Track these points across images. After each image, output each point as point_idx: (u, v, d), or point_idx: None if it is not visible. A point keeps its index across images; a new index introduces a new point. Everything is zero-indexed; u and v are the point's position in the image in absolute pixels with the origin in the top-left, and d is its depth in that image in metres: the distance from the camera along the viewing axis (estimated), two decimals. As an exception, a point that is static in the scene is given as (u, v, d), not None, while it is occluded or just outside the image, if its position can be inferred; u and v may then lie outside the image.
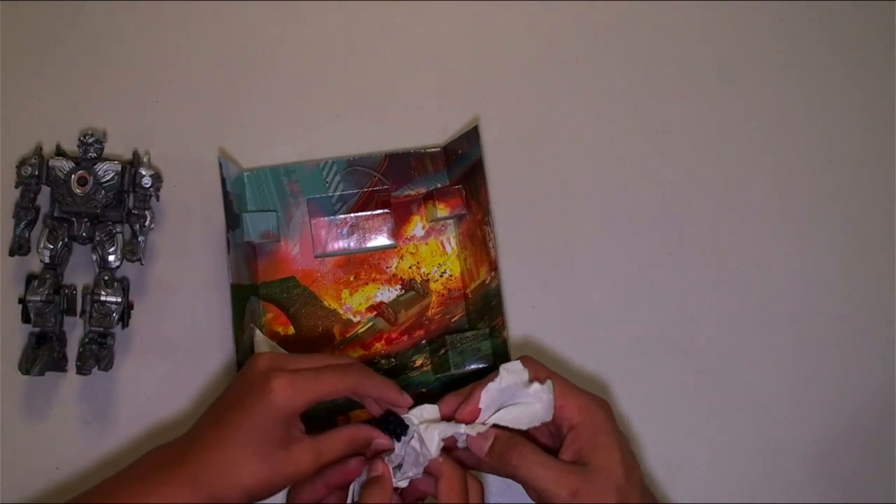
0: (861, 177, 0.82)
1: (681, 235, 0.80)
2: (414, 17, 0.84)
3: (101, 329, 0.73)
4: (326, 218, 0.78)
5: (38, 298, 0.72)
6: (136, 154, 0.77)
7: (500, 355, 0.72)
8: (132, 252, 0.74)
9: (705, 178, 0.81)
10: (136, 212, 0.75)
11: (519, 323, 0.76)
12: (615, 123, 0.82)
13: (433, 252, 0.78)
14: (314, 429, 0.63)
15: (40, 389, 0.74)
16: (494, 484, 0.74)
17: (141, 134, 0.79)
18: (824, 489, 0.75)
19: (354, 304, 0.77)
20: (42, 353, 0.71)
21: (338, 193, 0.78)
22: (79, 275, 0.77)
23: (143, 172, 0.76)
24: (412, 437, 0.65)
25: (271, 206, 0.77)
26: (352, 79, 0.83)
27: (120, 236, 0.75)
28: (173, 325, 0.76)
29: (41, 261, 0.74)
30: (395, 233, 0.78)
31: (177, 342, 0.76)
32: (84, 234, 0.74)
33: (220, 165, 0.73)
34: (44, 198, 0.76)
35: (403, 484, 0.64)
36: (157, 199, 0.76)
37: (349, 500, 0.64)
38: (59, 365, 0.74)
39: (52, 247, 0.74)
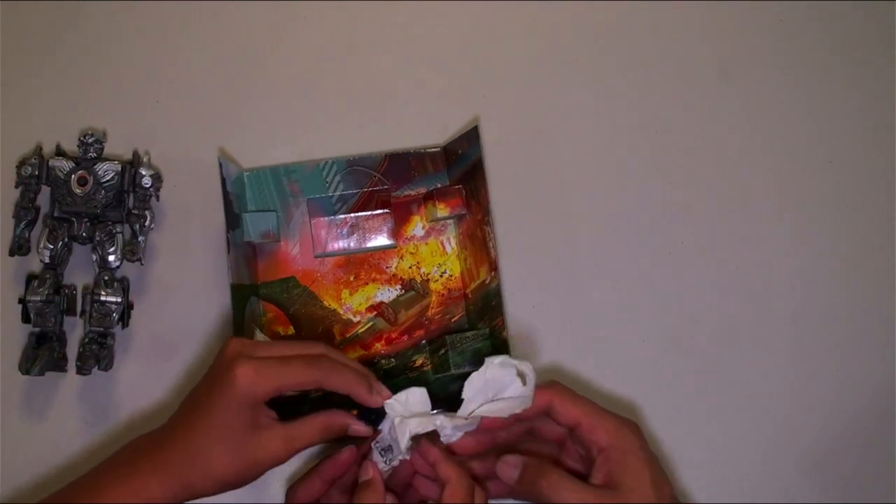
0: (861, 177, 0.82)
1: (681, 235, 0.80)
2: (414, 17, 0.84)
3: (101, 329, 0.73)
4: (326, 218, 0.78)
5: (38, 298, 0.72)
6: (136, 154, 0.77)
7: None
8: (132, 252, 0.74)
9: (705, 178, 0.81)
10: (136, 212, 0.75)
11: (519, 323, 0.76)
12: (615, 123, 0.82)
13: (433, 252, 0.78)
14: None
15: (40, 389, 0.74)
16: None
17: (141, 134, 0.79)
18: (824, 489, 0.75)
19: (354, 304, 0.77)
20: (42, 353, 0.71)
21: (338, 193, 0.78)
22: (79, 275, 0.77)
23: (143, 172, 0.76)
24: (390, 425, 0.65)
25: (271, 206, 0.77)
26: (352, 79, 0.83)
27: (120, 236, 0.75)
28: (173, 325, 0.76)
29: (41, 261, 0.74)
30: (395, 233, 0.78)
31: (177, 342, 0.76)
32: (84, 234, 0.74)
33: (220, 165, 0.73)
34: (44, 198, 0.76)
35: (387, 467, 0.64)
36: (157, 199, 0.76)
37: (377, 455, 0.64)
38: (59, 365, 0.74)
39: (52, 247, 0.74)
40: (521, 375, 0.64)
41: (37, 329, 0.73)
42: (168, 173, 0.78)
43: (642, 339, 0.77)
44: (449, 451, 0.65)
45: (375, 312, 0.77)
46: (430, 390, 0.72)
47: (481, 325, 0.74)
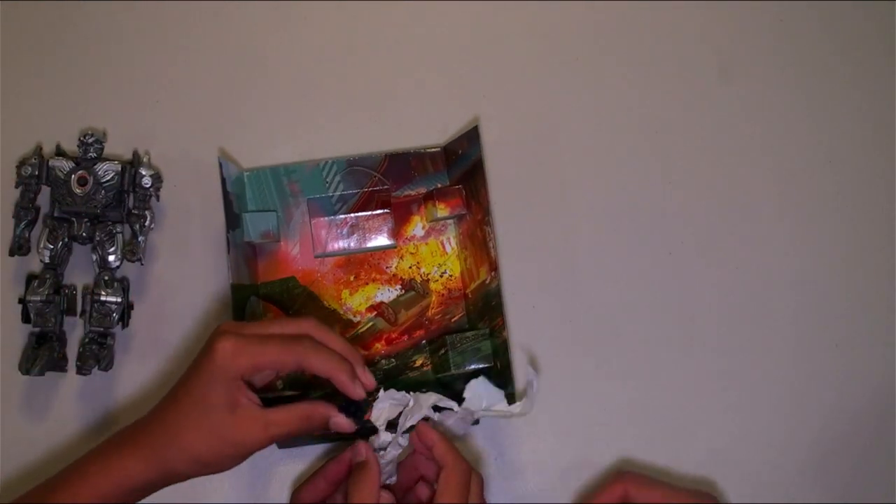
0: (861, 177, 0.82)
1: (681, 235, 0.80)
2: (414, 17, 0.84)
3: (101, 329, 0.73)
4: (326, 218, 0.78)
5: (38, 298, 0.72)
6: (136, 154, 0.77)
7: (501, 355, 0.72)
8: (132, 252, 0.74)
9: (705, 177, 0.81)
10: (136, 212, 0.75)
11: (519, 323, 0.76)
12: (615, 123, 0.82)
13: (433, 252, 0.78)
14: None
15: (40, 389, 0.74)
16: (495, 483, 0.74)
17: (141, 134, 0.79)
18: (824, 489, 0.75)
19: (354, 305, 0.77)
20: (42, 353, 0.71)
21: (338, 193, 0.78)
22: (79, 275, 0.77)
23: (143, 172, 0.76)
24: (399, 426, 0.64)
25: (271, 206, 0.77)
26: (352, 79, 0.83)
27: (120, 236, 0.75)
28: (173, 325, 0.76)
29: (41, 261, 0.74)
30: (395, 233, 0.78)
31: (177, 342, 0.76)
32: (84, 234, 0.74)
33: (220, 165, 0.73)
34: (44, 198, 0.76)
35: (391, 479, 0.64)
36: (157, 199, 0.76)
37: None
38: (59, 365, 0.74)
39: (52, 247, 0.74)
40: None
41: (37, 329, 0.73)
42: (168, 173, 0.78)
43: (642, 339, 0.77)
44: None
45: (375, 312, 0.77)
46: (430, 391, 0.72)
47: (481, 325, 0.74)
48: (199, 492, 0.72)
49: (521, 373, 0.72)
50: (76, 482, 0.59)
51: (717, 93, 0.83)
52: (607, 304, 0.78)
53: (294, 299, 0.76)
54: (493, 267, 0.73)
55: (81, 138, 0.75)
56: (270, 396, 0.71)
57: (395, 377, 0.75)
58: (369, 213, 0.78)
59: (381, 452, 0.64)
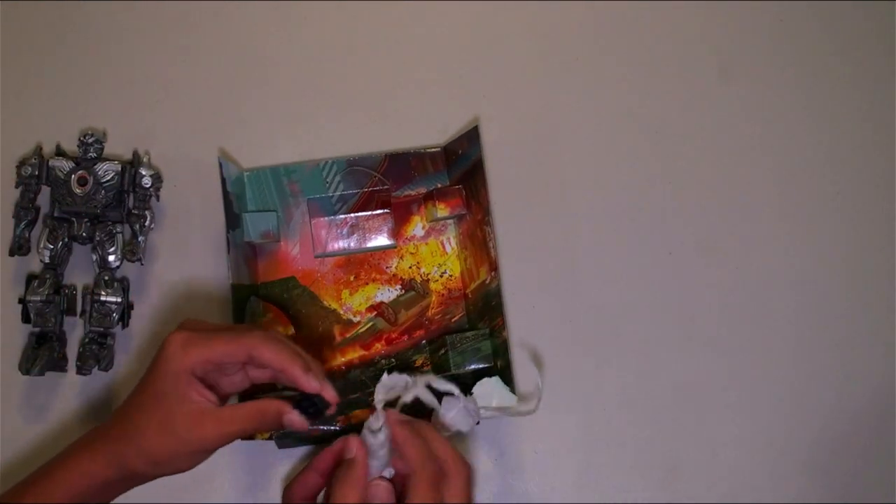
0: (861, 177, 0.82)
1: (681, 235, 0.80)
2: (414, 17, 0.84)
3: (101, 329, 0.73)
4: (326, 218, 0.78)
5: (38, 298, 0.72)
6: (136, 154, 0.77)
7: (501, 355, 0.72)
8: (132, 252, 0.74)
9: (705, 177, 0.81)
10: (136, 212, 0.75)
11: (519, 323, 0.76)
12: (615, 123, 0.82)
13: (433, 252, 0.78)
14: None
15: (40, 389, 0.74)
16: (495, 483, 0.74)
17: (141, 134, 0.79)
18: (824, 489, 0.75)
19: (354, 304, 0.77)
20: (42, 353, 0.71)
21: (338, 193, 0.78)
22: (79, 275, 0.77)
23: (143, 172, 0.76)
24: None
25: (271, 206, 0.77)
26: (352, 79, 0.83)
27: (120, 236, 0.75)
28: (173, 325, 0.75)
29: (41, 261, 0.74)
30: (395, 233, 0.78)
31: (177, 342, 0.76)
32: (84, 234, 0.74)
33: (220, 165, 0.73)
34: (44, 198, 0.76)
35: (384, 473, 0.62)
36: (157, 199, 0.76)
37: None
38: (59, 365, 0.74)
39: (52, 247, 0.74)
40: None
41: (37, 329, 0.73)
42: (168, 173, 0.78)
43: (642, 338, 0.77)
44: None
45: (375, 312, 0.77)
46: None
47: (481, 325, 0.74)
48: (199, 492, 0.72)
49: (521, 373, 0.72)
50: (43, 482, 0.59)
51: (717, 93, 0.83)
52: (607, 304, 0.78)
53: (294, 299, 0.76)
54: (493, 267, 0.73)
55: (81, 138, 0.75)
56: (271, 396, 0.71)
57: (394, 377, 0.75)
58: (369, 213, 0.78)
59: (376, 434, 0.62)
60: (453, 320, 0.77)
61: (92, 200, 0.74)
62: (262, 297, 0.76)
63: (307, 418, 0.60)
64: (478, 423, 0.71)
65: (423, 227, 0.78)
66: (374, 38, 0.84)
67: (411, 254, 0.78)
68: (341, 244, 0.78)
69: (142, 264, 0.75)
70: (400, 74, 0.83)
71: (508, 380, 0.70)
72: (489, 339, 0.73)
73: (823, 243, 0.80)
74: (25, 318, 0.73)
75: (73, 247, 0.76)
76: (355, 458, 0.59)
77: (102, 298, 0.73)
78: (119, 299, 0.73)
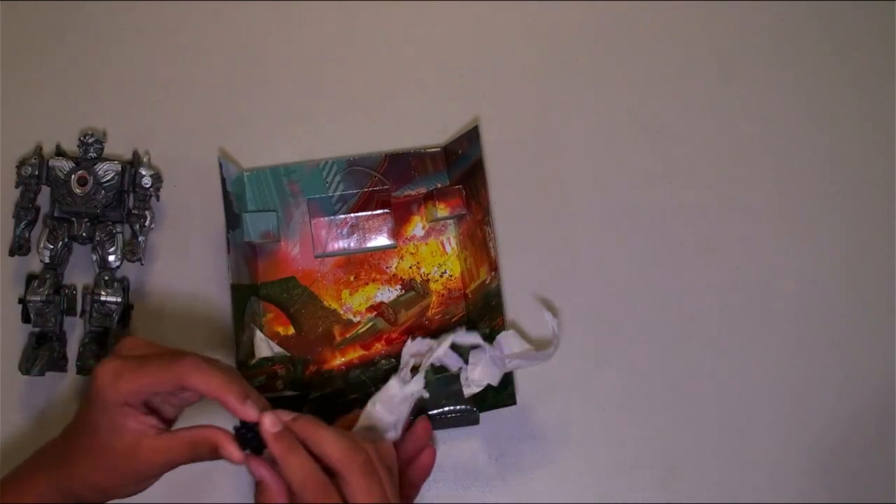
0: (861, 177, 0.82)
1: (681, 235, 0.80)
2: (414, 17, 0.84)
3: (101, 329, 0.73)
4: (326, 218, 0.78)
5: (38, 298, 0.72)
6: (136, 154, 0.77)
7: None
8: (132, 252, 0.74)
9: (705, 177, 0.81)
10: (136, 212, 0.75)
11: (519, 323, 0.76)
12: (615, 123, 0.82)
13: (433, 252, 0.78)
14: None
15: (40, 389, 0.74)
16: (495, 483, 0.74)
17: (141, 134, 0.79)
18: (824, 489, 0.75)
19: (354, 305, 0.77)
20: (42, 353, 0.72)
21: (338, 193, 0.78)
22: (79, 275, 0.77)
23: (143, 172, 0.76)
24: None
25: (271, 206, 0.77)
26: (352, 79, 0.83)
27: (120, 236, 0.75)
28: (173, 325, 0.76)
29: (41, 261, 0.74)
30: (395, 233, 0.78)
31: (177, 342, 0.75)
32: (84, 234, 0.74)
33: (220, 165, 0.73)
34: (44, 198, 0.76)
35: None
36: (157, 199, 0.76)
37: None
38: (59, 365, 0.74)
39: (52, 247, 0.74)
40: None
41: (37, 329, 0.73)
42: (168, 173, 0.78)
43: (642, 338, 0.77)
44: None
45: (375, 312, 0.77)
46: (430, 390, 0.72)
47: (481, 325, 0.74)
48: (199, 492, 0.72)
49: (521, 372, 0.72)
50: None
51: (717, 93, 0.83)
52: (607, 303, 0.78)
53: (294, 299, 0.76)
54: (493, 267, 0.73)
55: (81, 138, 0.75)
56: (271, 397, 0.71)
57: (394, 377, 0.75)
58: (369, 213, 0.78)
59: (393, 396, 0.63)
60: (453, 320, 0.77)
61: (92, 200, 0.74)
62: (262, 297, 0.76)
63: (251, 449, 0.56)
64: (476, 422, 0.72)
65: (423, 227, 0.78)
66: (374, 38, 0.84)
67: (411, 254, 0.78)
68: (341, 244, 0.78)
69: (142, 264, 0.75)
70: (400, 74, 0.83)
71: (508, 380, 0.70)
72: (489, 339, 0.73)
73: (823, 243, 0.80)
74: (25, 318, 0.73)
75: (73, 247, 0.76)
76: (264, 482, 0.56)
77: (102, 298, 0.73)
78: (119, 299, 0.73)
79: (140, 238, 0.75)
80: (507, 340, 0.67)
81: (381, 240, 0.78)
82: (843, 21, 0.85)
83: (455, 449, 0.74)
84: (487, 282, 0.74)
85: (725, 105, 0.83)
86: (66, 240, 0.75)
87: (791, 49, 0.85)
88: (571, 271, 0.79)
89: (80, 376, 0.73)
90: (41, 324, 0.73)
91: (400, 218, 0.78)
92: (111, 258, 0.75)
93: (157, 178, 0.76)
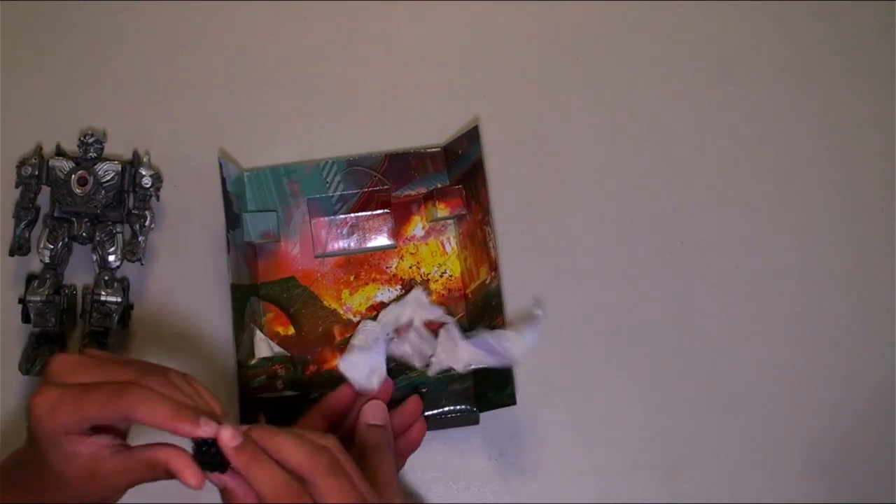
0: (861, 177, 0.82)
1: (681, 235, 0.80)
2: (414, 17, 0.84)
3: (101, 329, 0.73)
4: (326, 218, 0.78)
5: (38, 298, 0.72)
6: (136, 154, 0.77)
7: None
8: (132, 252, 0.74)
9: (705, 177, 0.81)
10: (136, 212, 0.75)
11: (519, 323, 0.76)
12: (615, 123, 0.82)
13: (433, 252, 0.78)
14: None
15: (40, 389, 0.74)
16: (495, 483, 0.74)
17: (141, 134, 0.79)
18: (824, 489, 0.75)
19: (355, 305, 0.77)
20: (42, 353, 0.72)
21: (338, 193, 0.78)
22: (79, 275, 0.77)
23: (143, 172, 0.76)
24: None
25: (271, 206, 0.77)
26: (352, 79, 0.83)
27: (120, 236, 0.75)
28: (173, 325, 0.76)
29: (41, 261, 0.74)
30: (395, 233, 0.78)
31: (177, 342, 0.76)
32: (84, 234, 0.74)
33: (220, 165, 0.73)
34: (44, 198, 0.76)
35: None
36: (157, 199, 0.76)
37: None
38: (59, 365, 0.73)
39: (52, 247, 0.74)
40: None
41: (37, 329, 0.73)
42: (168, 173, 0.78)
43: (642, 338, 0.77)
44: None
45: (376, 312, 0.77)
46: (430, 390, 0.72)
47: (481, 325, 0.74)
48: (199, 491, 0.72)
49: (521, 372, 0.72)
50: None
51: (717, 92, 0.83)
52: (607, 303, 0.78)
53: (294, 299, 0.76)
54: (493, 267, 0.73)
55: (81, 138, 0.75)
56: (271, 397, 0.71)
57: (394, 377, 0.74)
58: (369, 213, 0.78)
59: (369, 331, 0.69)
60: (453, 320, 0.76)
61: (92, 200, 0.74)
62: (262, 297, 0.76)
63: (214, 468, 0.52)
64: (476, 422, 0.72)
65: (423, 227, 0.78)
66: (374, 38, 0.84)
67: (411, 254, 0.78)
68: (341, 244, 0.78)
69: (142, 264, 0.75)
70: (400, 74, 0.83)
71: (508, 380, 0.70)
72: (489, 339, 0.73)
73: (823, 243, 0.80)
74: (25, 318, 0.73)
75: (73, 247, 0.76)
76: (229, 489, 0.53)
77: (102, 298, 0.73)
78: (119, 299, 0.73)
79: (140, 238, 0.75)
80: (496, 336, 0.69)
81: (381, 240, 0.78)
82: (843, 21, 0.85)
83: (455, 449, 0.74)
84: (487, 282, 0.74)
85: (725, 105, 0.83)
86: (66, 240, 0.75)
87: (791, 49, 0.85)
88: (571, 271, 0.79)
89: (80, 376, 0.73)
90: (41, 324, 0.73)
91: (400, 218, 0.78)
92: (111, 258, 0.75)
93: (157, 178, 0.76)
